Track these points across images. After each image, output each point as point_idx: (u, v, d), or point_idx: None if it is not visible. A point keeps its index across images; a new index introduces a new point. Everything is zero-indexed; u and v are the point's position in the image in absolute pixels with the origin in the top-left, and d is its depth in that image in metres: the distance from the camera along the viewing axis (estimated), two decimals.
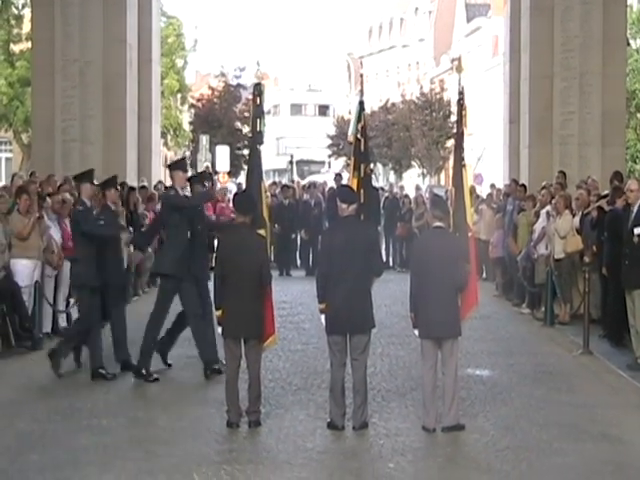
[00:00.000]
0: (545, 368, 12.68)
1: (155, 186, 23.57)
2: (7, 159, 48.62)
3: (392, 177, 67.77)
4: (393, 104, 65.54)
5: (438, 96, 61.14)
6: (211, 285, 10.65)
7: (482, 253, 20.54)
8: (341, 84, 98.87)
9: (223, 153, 44.82)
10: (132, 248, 14.18)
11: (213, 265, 10.22)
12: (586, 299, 13.84)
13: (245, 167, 31.08)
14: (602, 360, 13.06)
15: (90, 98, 22.90)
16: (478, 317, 13.02)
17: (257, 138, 11.49)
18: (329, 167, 77.36)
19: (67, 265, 15.18)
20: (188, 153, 53.68)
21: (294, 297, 18.81)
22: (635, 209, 12.61)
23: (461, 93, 11.49)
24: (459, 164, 11.25)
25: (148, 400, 11.01)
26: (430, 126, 59.87)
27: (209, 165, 41.27)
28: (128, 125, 23.49)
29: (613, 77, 22.87)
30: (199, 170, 38.45)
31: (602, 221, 14.52)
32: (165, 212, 12.31)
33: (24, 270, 13.81)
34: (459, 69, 12.70)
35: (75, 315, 15.51)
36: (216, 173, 40.52)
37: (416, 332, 9.69)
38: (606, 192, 15.89)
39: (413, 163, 64.13)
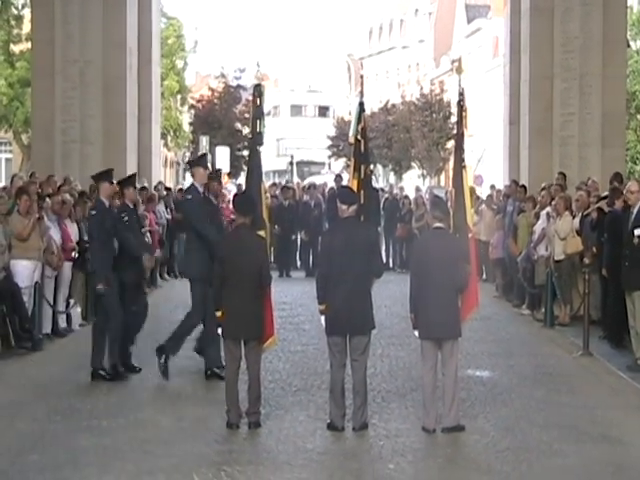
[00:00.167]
0: (545, 369, 12.68)
1: (155, 187, 23.59)
2: (7, 160, 48.64)
3: (392, 178, 67.73)
4: (393, 105, 65.53)
5: (438, 97, 61.13)
6: None
7: (482, 254, 20.56)
8: (341, 85, 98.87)
9: (223, 154, 44.84)
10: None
11: None
12: (586, 300, 13.83)
13: (245, 168, 31.07)
14: (602, 361, 13.06)
15: (90, 99, 22.90)
16: (478, 318, 13.02)
17: (257, 139, 11.48)
18: (329, 168, 77.34)
19: (67, 266, 15.21)
20: (188, 154, 53.71)
21: (294, 298, 18.81)
22: (635, 210, 12.61)
23: (461, 94, 11.48)
24: (459, 165, 11.25)
25: (148, 401, 11.00)
26: (430, 127, 59.86)
27: (209, 166, 41.32)
28: (128, 126, 23.49)
29: (613, 78, 22.88)
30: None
31: (602, 222, 14.52)
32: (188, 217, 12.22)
33: (24, 271, 13.81)
34: (459, 70, 12.70)
35: (75, 316, 15.56)
36: (215, 173, 40.53)
37: (416, 333, 9.69)
38: (606, 193, 15.90)
39: (413, 164, 64.11)
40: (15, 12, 39.03)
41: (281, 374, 12.09)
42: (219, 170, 13.87)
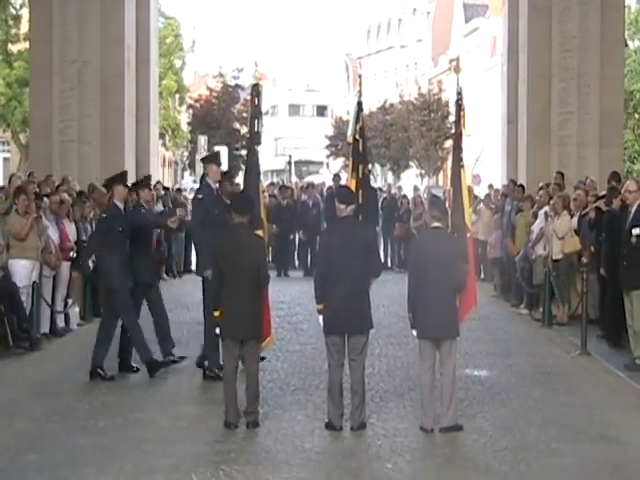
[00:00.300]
0: (543, 369, 12.68)
1: (154, 186, 23.55)
2: (5, 159, 48.64)
3: (390, 178, 67.74)
4: (391, 105, 65.55)
5: (436, 97, 61.14)
6: None
7: (480, 254, 20.57)
8: (339, 85, 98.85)
9: (221, 153, 44.82)
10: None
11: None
12: (584, 300, 13.84)
13: (243, 168, 31.08)
14: (600, 361, 13.06)
15: (88, 98, 22.88)
16: (476, 318, 13.01)
17: (255, 139, 11.48)
18: (327, 168, 77.36)
19: (65, 265, 15.20)
20: (186, 154, 53.74)
21: (292, 298, 18.82)
22: (633, 210, 12.62)
23: (459, 94, 11.48)
24: (457, 164, 11.25)
25: (146, 401, 10.99)
26: (428, 127, 59.87)
27: None
28: (126, 126, 23.47)
29: (611, 78, 22.88)
30: (198, 171, 38.56)
31: (600, 222, 14.53)
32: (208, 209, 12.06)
33: (22, 270, 13.80)
34: (457, 70, 12.74)
35: (73, 316, 15.55)
36: None
37: (414, 332, 9.69)
38: (603, 193, 15.90)
39: (411, 164, 64.13)
40: (13, 12, 39.09)
41: (279, 373, 12.09)
42: (229, 171, 13.83)
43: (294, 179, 54.39)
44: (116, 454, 8.72)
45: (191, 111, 54.60)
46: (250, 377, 9.71)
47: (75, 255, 15.42)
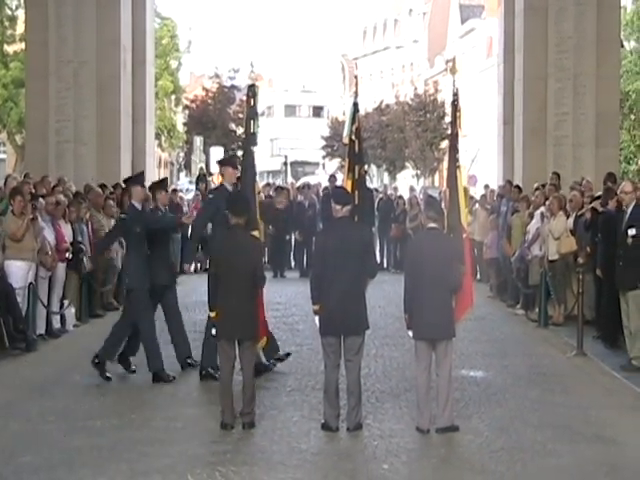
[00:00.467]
0: (539, 369, 12.68)
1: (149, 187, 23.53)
2: (1, 160, 48.65)
3: (386, 178, 67.76)
4: (387, 105, 65.59)
5: (432, 97, 61.23)
6: None
7: (476, 254, 20.58)
8: (335, 85, 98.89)
9: (217, 154, 44.81)
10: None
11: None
12: (580, 300, 13.84)
13: (239, 168, 31.04)
14: (596, 361, 13.07)
15: (84, 99, 22.86)
16: (472, 318, 13.02)
17: (251, 139, 11.49)
18: (323, 168, 77.37)
19: (61, 266, 15.19)
20: (182, 154, 53.75)
21: (288, 298, 18.80)
22: (629, 210, 12.64)
23: (455, 94, 11.49)
24: (454, 165, 11.25)
25: (142, 401, 10.99)
26: (424, 127, 59.92)
27: (203, 166, 41.33)
28: (122, 126, 23.45)
29: (607, 78, 22.89)
30: (194, 171, 38.55)
31: (596, 222, 14.54)
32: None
33: (18, 271, 13.79)
34: (453, 70, 12.77)
35: (69, 317, 15.53)
36: (210, 175, 40.50)
37: (410, 333, 9.70)
38: (599, 193, 15.92)
39: (407, 164, 64.18)
40: (9, 13, 39.10)
41: (275, 374, 12.08)
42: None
43: (290, 180, 54.34)
44: (112, 455, 8.71)
45: (187, 112, 54.65)
46: (246, 378, 9.70)
47: (71, 256, 15.41)
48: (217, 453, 8.83)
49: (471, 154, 55.34)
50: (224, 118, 52.02)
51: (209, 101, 53.23)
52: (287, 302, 18.32)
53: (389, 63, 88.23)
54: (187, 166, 48.33)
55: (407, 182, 55.73)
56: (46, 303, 14.64)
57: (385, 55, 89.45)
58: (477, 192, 28.78)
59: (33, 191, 15.85)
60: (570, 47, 22.80)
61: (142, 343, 11.97)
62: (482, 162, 53.08)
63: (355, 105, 11.85)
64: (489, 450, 8.94)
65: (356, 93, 12.10)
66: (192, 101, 54.93)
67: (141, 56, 25.02)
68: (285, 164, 70.46)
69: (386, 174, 69.27)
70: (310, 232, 23.27)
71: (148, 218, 12.25)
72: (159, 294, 12.26)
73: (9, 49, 39.05)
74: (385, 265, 25.65)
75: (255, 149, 11.53)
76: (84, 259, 15.93)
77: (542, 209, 17.03)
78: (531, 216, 17.55)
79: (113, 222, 17.89)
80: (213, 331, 9.88)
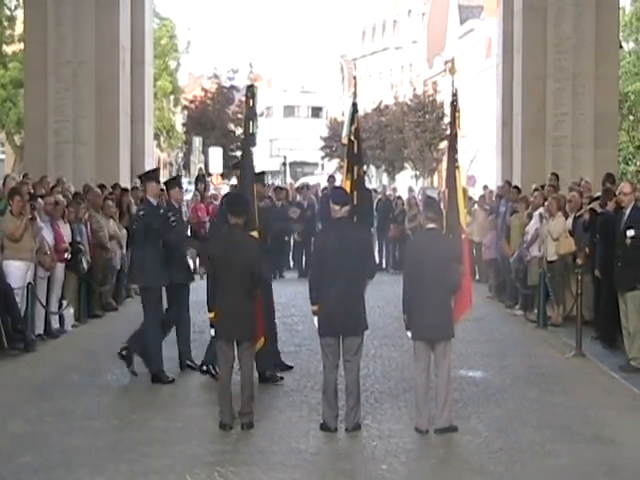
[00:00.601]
0: (538, 370, 12.68)
1: None
2: None
3: (385, 179, 67.79)
4: (386, 106, 65.61)
5: (431, 98, 61.25)
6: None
7: (475, 255, 20.58)
8: (334, 86, 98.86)
9: (216, 155, 44.86)
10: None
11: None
12: (579, 301, 13.84)
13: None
14: (595, 362, 13.07)
15: (83, 99, 22.87)
16: (471, 319, 13.03)
17: (250, 140, 11.47)
18: (322, 169, 77.36)
19: (60, 267, 15.19)
20: (181, 155, 53.75)
21: (287, 299, 18.78)
22: (628, 211, 12.64)
23: (454, 95, 11.48)
24: (453, 165, 11.24)
25: (141, 402, 10.99)
26: (423, 128, 59.95)
27: (202, 167, 41.34)
28: (121, 127, 23.46)
29: (606, 79, 22.91)
30: (193, 172, 38.56)
31: (594, 223, 14.55)
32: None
33: (17, 272, 13.78)
34: (452, 71, 12.72)
35: (68, 317, 15.53)
36: (209, 175, 40.55)
37: (409, 334, 9.69)
38: (598, 194, 15.92)
39: (406, 165, 64.21)
40: (8, 13, 39.07)
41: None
42: (263, 172, 13.73)
43: (289, 180, 54.34)
44: (111, 455, 8.71)
45: (186, 112, 54.66)
46: (245, 378, 9.70)
47: (70, 256, 15.40)
48: (216, 453, 8.83)
49: (470, 155, 55.34)
50: (223, 118, 52.04)
51: (208, 101, 53.26)
52: (286, 302, 18.30)
53: (388, 64, 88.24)
54: (186, 166, 48.34)
55: (406, 183, 55.78)
56: (45, 303, 14.64)
57: (384, 56, 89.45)
58: (476, 193, 28.81)
59: (32, 191, 15.84)
60: (569, 48, 22.83)
61: (145, 342, 11.94)
62: (481, 163, 53.09)
63: (354, 106, 11.84)
64: (488, 450, 8.94)
65: (355, 94, 12.08)
66: (191, 101, 54.96)
67: (140, 56, 25.03)
68: (284, 164, 70.41)
69: (385, 175, 69.30)
70: (309, 232, 23.25)
71: (163, 224, 12.09)
72: (174, 292, 12.22)
73: (8, 49, 39.05)
74: (384, 265, 25.67)
75: (254, 149, 11.50)
76: (83, 259, 15.92)
77: (541, 210, 17.04)
78: (530, 217, 17.55)
79: (112, 222, 17.97)
80: (212, 331, 9.88)
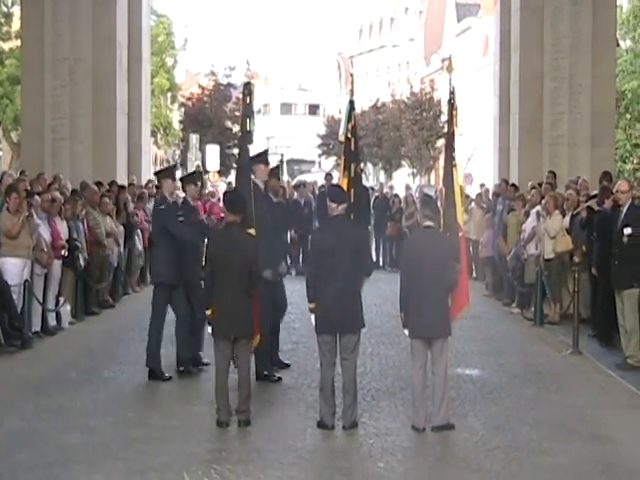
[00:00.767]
0: (535, 368, 12.69)
1: (146, 185, 23.53)
2: None
3: (382, 177, 67.82)
4: (383, 104, 65.65)
5: (428, 96, 61.28)
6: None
7: (472, 253, 20.59)
8: (331, 83, 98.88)
9: (213, 152, 44.80)
10: None
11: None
12: (576, 299, 13.85)
13: (235, 166, 31.02)
14: (591, 360, 13.08)
15: (80, 96, 22.86)
16: (468, 317, 13.01)
17: (247, 137, 11.46)
18: (319, 166, 77.35)
19: (57, 264, 15.18)
20: (178, 152, 53.69)
21: None
22: (625, 209, 12.66)
23: (452, 93, 11.48)
24: (450, 164, 11.25)
25: (138, 399, 10.99)
26: (420, 126, 59.97)
27: (200, 164, 41.29)
28: (118, 124, 23.45)
29: (603, 77, 22.93)
30: (189, 169, 38.50)
31: (591, 221, 14.56)
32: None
33: (13, 269, 13.77)
34: (450, 69, 12.72)
35: (64, 314, 15.52)
36: (206, 172, 40.51)
37: (406, 332, 9.69)
38: (595, 192, 15.93)
39: (403, 163, 64.24)
40: (5, 10, 39.00)
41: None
42: (278, 167, 13.64)
43: (286, 178, 54.32)
44: (108, 453, 8.70)
45: (183, 109, 54.58)
46: (242, 376, 9.70)
47: (67, 253, 15.40)
48: (213, 451, 8.83)
49: (467, 153, 55.35)
50: (220, 116, 51.97)
51: (205, 99, 53.18)
52: None
53: (385, 61, 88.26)
54: (183, 164, 48.26)
55: (403, 180, 55.76)
56: (42, 300, 14.63)
57: (381, 53, 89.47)
58: (473, 191, 28.79)
59: (29, 188, 15.83)
60: (566, 46, 22.86)
61: (148, 339, 11.94)
62: (478, 161, 53.07)
63: (351, 103, 11.84)
64: (485, 448, 8.95)
65: (352, 91, 12.09)
66: (188, 99, 54.87)
67: (137, 53, 25.03)
68: (281, 162, 70.31)
69: (382, 172, 69.34)
70: (306, 230, 23.25)
71: (183, 217, 12.07)
72: (187, 290, 12.19)
73: (5, 46, 38.94)
74: (381, 263, 25.69)
75: (251, 147, 11.49)
76: (80, 256, 15.92)
77: (538, 208, 17.04)
78: (527, 215, 17.56)
79: (109, 219, 17.96)
80: (209, 329, 9.88)
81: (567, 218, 16.03)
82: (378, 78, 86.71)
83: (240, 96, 12.85)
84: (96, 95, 22.88)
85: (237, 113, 46.33)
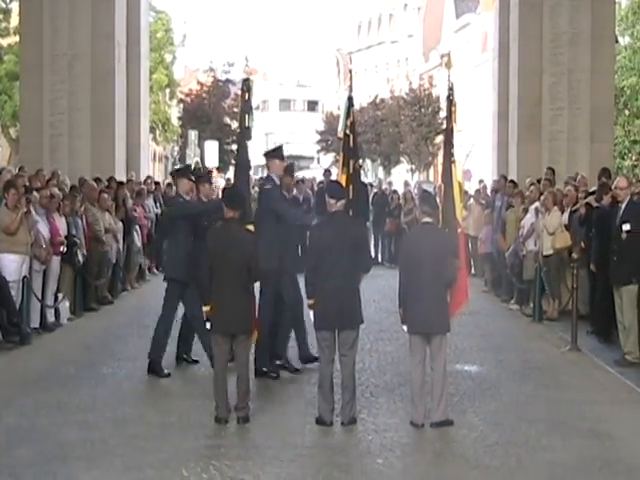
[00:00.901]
0: (533, 364, 12.69)
1: (144, 181, 23.54)
2: None
3: (381, 173, 67.74)
4: (382, 100, 65.57)
5: (427, 92, 61.21)
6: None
7: (471, 249, 20.59)
8: (330, 80, 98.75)
9: (212, 148, 44.79)
10: None
11: None
12: (574, 295, 13.85)
13: (234, 162, 31.00)
14: (590, 356, 13.08)
15: (78, 92, 22.86)
16: (467, 313, 13.02)
17: (245, 134, 11.45)
18: (318, 163, 77.33)
19: (56, 260, 15.16)
20: (177, 148, 53.66)
21: None
22: (624, 206, 12.65)
23: (451, 89, 11.48)
24: (449, 160, 11.25)
25: (136, 396, 10.99)
26: (419, 122, 59.92)
27: (198, 160, 41.28)
28: (116, 120, 23.44)
29: (601, 73, 22.94)
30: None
31: (590, 217, 14.56)
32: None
33: (12, 265, 13.76)
34: (448, 65, 12.72)
35: (63, 310, 15.52)
36: (205, 168, 40.45)
37: (405, 328, 9.69)
38: (594, 188, 15.93)
39: (402, 159, 64.18)
40: (3, 6, 38.96)
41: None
42: (292, 164, 13.61)
43: None
44: (106, 449, 8.70)
45: (182, 105, 54.54)
46: (240, 372, 9.70)
47: (65, 249, 15.39)
48: (211, 447, 8.83)
49: (466, 149, 55.32)
50: (219, 112, 51.93)
51: (204, 95, 53.15)
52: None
53: (384, 58, 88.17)
54: (182, 160, 48.24)
55: (402, 177, 55.75)
56: (40, 297, 14.62)
57: (380, 49, 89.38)
58: (472, 187, 28.80)
59: (27, 184, 15.81)
60: (565, 42, 22.86)
61: (155, 330, 11.93)
62: (477, 157, 53.07)
63: (350, 99, 11.84)
64: (483, 444, 8.95)
65: (351, 87, 12.09)
66: (187, 95, 54.83)
67: (136, 49, 25.01)
68: None
69: (381, 169, 69.28)
70: (304, 226, 23.20)
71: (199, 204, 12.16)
72: (198, 287, 12.16)
73: (3, 42, 38.89)
74: (380, 259, 25.68)
75: (250, 143, 11.48)
76: (78, 253, 15.92)
77: (537, 204, 17.03)
78: (526, 211, 17.55)
79: (108, 216, 17.95)
80: (207, 325, 9.87)
81: (566, 214, 16.02)
82: (377, 74, 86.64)
83: (239, 92, 12.86)
84: (95, 91, 22.88)
85: (236, 109, 46.20)
